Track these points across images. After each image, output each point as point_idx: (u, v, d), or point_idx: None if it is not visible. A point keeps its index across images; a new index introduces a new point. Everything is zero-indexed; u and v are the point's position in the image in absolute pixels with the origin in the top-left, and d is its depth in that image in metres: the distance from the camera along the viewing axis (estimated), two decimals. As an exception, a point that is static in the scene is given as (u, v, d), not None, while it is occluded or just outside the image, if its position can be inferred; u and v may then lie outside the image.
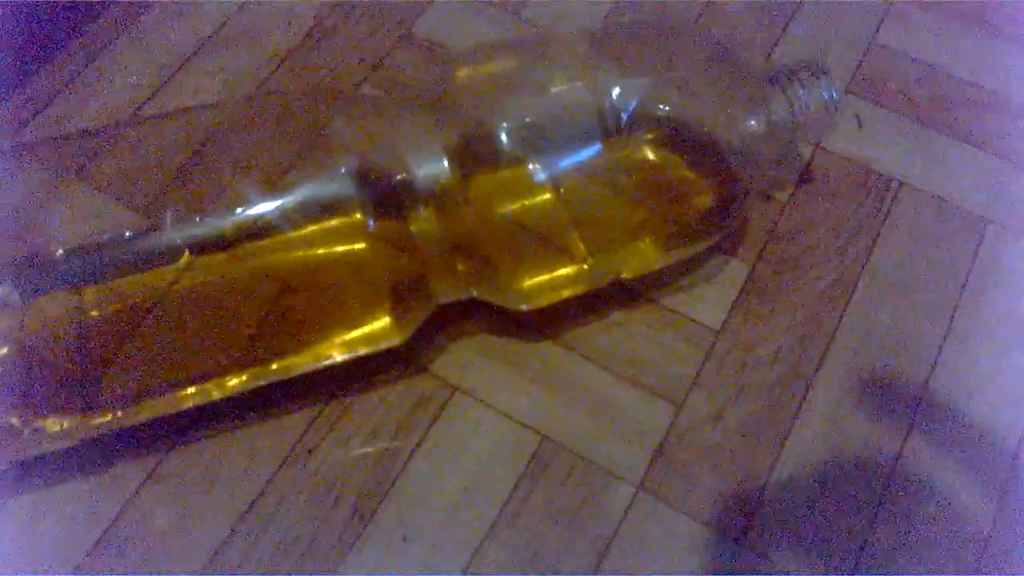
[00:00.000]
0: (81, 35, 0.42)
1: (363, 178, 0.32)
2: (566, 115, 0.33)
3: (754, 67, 0.41)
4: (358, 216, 0.32)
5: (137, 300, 0.31)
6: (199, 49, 0.42)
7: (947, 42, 0.44)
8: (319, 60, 0.42)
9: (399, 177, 0.32)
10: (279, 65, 0.42)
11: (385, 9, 0.43)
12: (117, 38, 0.42)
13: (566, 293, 0.34)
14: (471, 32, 0.43)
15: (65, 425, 0.30)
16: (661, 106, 0.34)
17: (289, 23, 0.43)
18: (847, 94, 0.42)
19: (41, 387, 0.30)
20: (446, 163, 0.31)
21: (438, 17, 0.43)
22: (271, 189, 0.32)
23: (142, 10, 0.43)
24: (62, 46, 0.42)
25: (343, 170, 0.32)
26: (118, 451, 0.33)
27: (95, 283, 0.31)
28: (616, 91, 0.32)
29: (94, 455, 0.32)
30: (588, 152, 0.32)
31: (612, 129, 0.32)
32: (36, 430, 0.30)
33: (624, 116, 0.32)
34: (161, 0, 0.43)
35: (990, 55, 0.43)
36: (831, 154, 0.40)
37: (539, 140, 0.32)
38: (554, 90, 0.33)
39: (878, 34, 0.44)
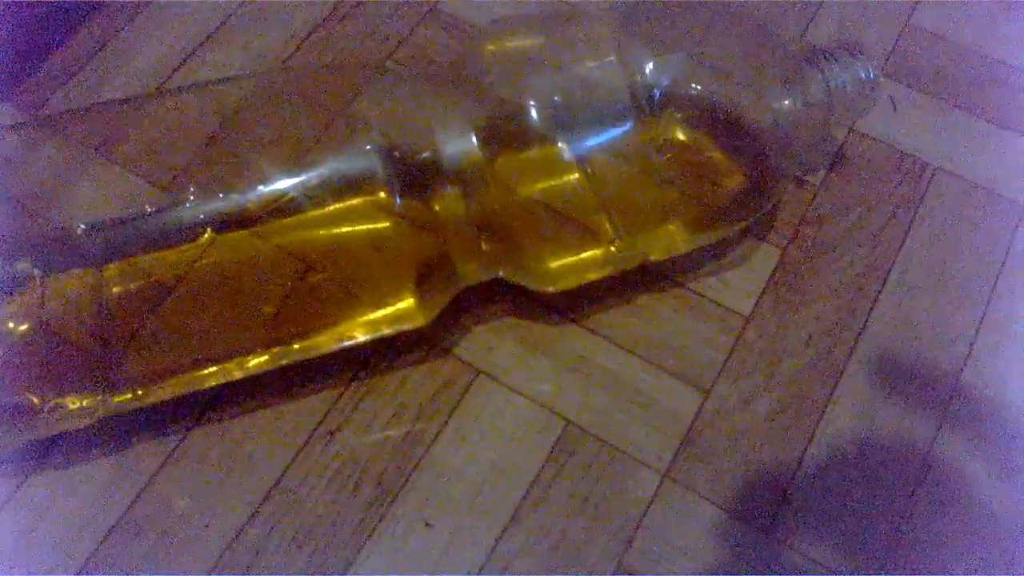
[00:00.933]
0: (104, 9, 0.42)
1: (389, 155, 0.31)
2: (596, 93, 0.32)
3: (789, 46, 0.40)
4: (383, 195, 0.31)
5: (158, 277, 0.30)
6: (222, 25, 0.41)
7: (983, 23, 0.42)
8: (343, 37, 0.41)
9: (425, 155, 0.31)
10: (303, 42, 0.41)
11: (410, -15, 0.43)
12: (140, 13, 0.42)
13: (593, 275, 0.34)
14: (498, 6, 0.42)
15: (85, 403, 0.30)
16: (693, 85, 0.33)
17: (313, -1, 0.42)
18: (882, 76, 0.41)
19: (61, 365, 0.30)
20: (474, 141, 0.31)
21: (463, -7, 0.43)
22: (295, 166, 0.31)
23: (164, -16, 0.43)
24: (85, 20, 0.42)
25: (368, 147, 0.32)
26: (137, 432, 0.32)
27: (116, 260, 0.31)
28: (648, 68, 0.31)
29: (113, 435, 0.32)
30: (618, 131, 0.32)
31: (644, 107, 0.31)
32: (56, 408, 0.30)
33: (656, 94, 0.31)
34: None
35: (1028, 37, 0.42)
36: (865, 137, 0.39)
37: (568, 119, 0.32)
38: (583, 67, 0.32)
39: (913, 15, 0.43)
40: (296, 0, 0.42)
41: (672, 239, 0.34)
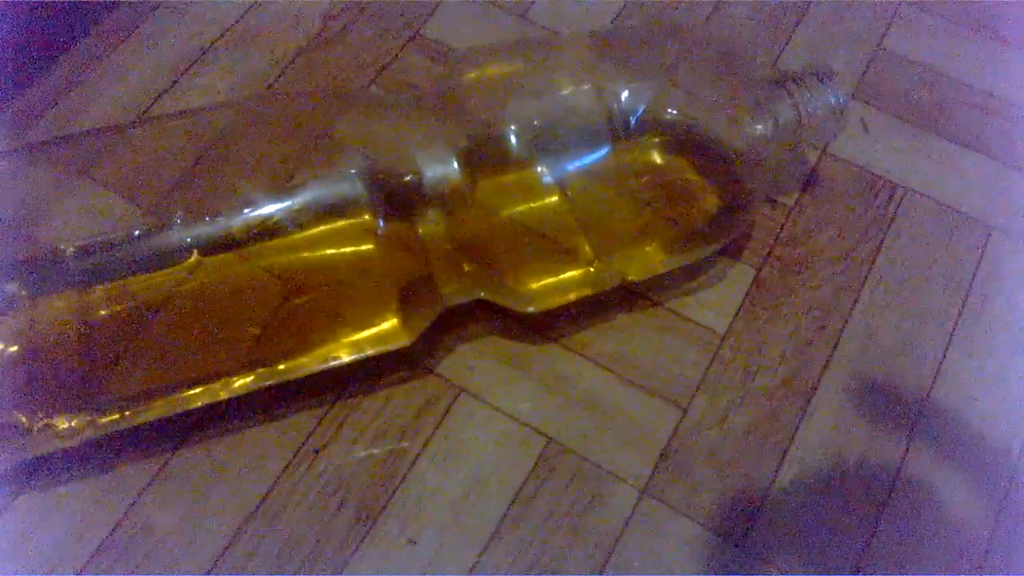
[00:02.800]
0: (89, 35, 0.42)
1: (372, 179, 0.32)
2: (574, 118, 0.33)
3: (761, 71, 0.41)
4: (366, 217, 0.32)
5: (145, 299, 0.31)
6: (207, 50, 0.42)
7: (953, 47, 0.44)
8: (327, 61, 0.42)
9: (408, 178, 0.32)
10: (287, 66, 0.42)
11: (393, 11, 0.44)
12: (126, 38, 0.42)
13: (572, 296, 0.34)
14: (479, 33, 0.43)
15: (73, 424, 0.31)
16: (668, 110, 0.34)
17: (297, 24, 0.43)
18: (853, 99, 0.42)
19: (49, 385, 0.31)
20: (455, 165, 0.31)
21: (446, 18, 0.43)
22: (280, 189, 0.32)
23: (150, 11, 0.43)
24: (71, 45, 0.42)
25: (352, 171, 0.32)
26: (123, 451, 0.33)
27: (104, 282, 0.31)
28: (625, 94, 0.32)
29: (99, 455, 0.33)
30: (596, 155, 0.33)
31: (620, 132, 0.32)
32: (44, 428, 0.30)
33: (632, 119, 0.32)
34: (169, 1, 0.43)
35: (996, 60, 0.43)
36: (837, 159, 0.40)
37: (546, 143, 0.33)
38: (562, 93, 0.33)
39: (884, 39, 0.44)
40: (281, 26, 0.43)
41: (650, 259, 0.35)
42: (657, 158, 0.34)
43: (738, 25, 0.44)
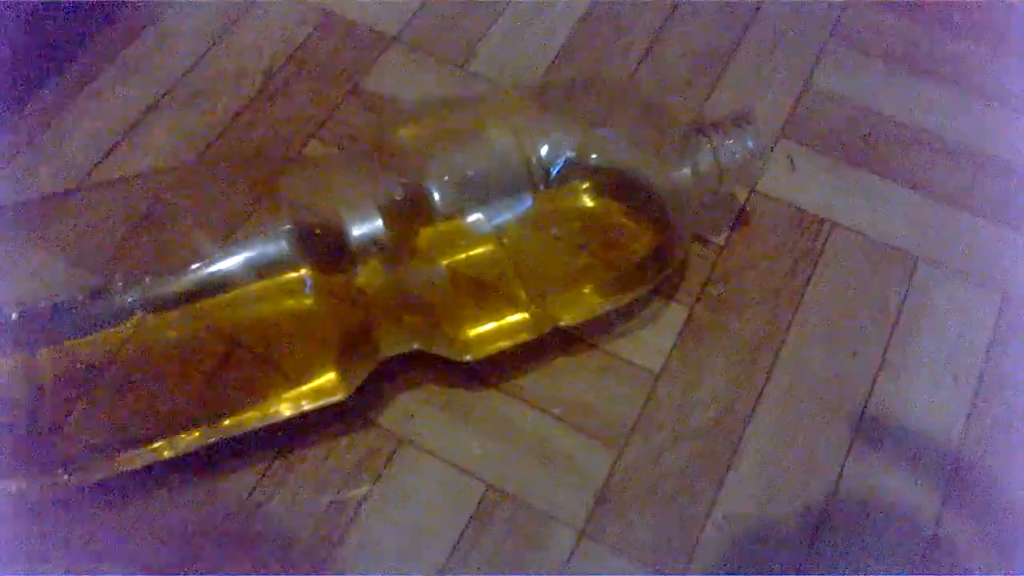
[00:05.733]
0: (34, 100, 0.43)
1: (308, 234, 0.33)
2: (498, 170, 0.34)
3: (683, 118, 0.42)
4: (303, 272, 0.33)
5: (90, 360, 0.32)
6: (150, 109, 0.43)
7: (879, 83, 0.45)
8: (269, 117, 0.43)
9: (338, 234, 0.33)
10: (230, 123, 0.43)
11: (334, 65, 0.45)
12: (71, 101, 0.43)
13: (509, 342, 0.35)
14: (419, 84, 0.44)
15: (16, 488, 0.31)
16: (593, 155, 0.35)
17: (240, 81, 0.44)
18: (781, 138, 0.43)
19: (-3, 449, 0.31)
20: (380, 221, 0.32)
21: (386, 71, 0.44)
22: (219, 247, 0.33)
23: (95, 73, 0.44)
24: (18, 110, 0.43)
25: (287, 227, 0.33)
26: (61, 509, 0.33)
27: (49, 344, 0.32)
28: (544, 148, 0.33)
29: (45, 512, 0.33)
30: (521, 205, 0.33)
31: (540, 183, 0.33)
32: None
33: (554, 170, 0.33)
34: (114, 63, 0.44)
35: (921, 95, 0.45)
36: (765, 196, 0.41)
37: (476, 193, 0.33)
38: (487, 146, 0.34)
39: (812, 77, 0.45)
40: (223, 83, 0.44)
41: (585, 302, 0.36)
42: (588, 201, 0.35)
43: (670, 67, 0.45)
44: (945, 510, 0.34)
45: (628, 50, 0.45)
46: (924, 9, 0.47)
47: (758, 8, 0.47)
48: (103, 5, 0.46)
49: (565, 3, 0.47)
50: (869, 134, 0.43)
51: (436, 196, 0.33)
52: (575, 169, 0.34)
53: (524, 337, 0.35)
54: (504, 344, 0.35)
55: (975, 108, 0.44)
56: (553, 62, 0.45)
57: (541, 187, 0.33)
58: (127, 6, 0.46)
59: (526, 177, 0.33)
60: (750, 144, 0.36)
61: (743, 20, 0.47)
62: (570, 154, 0.34)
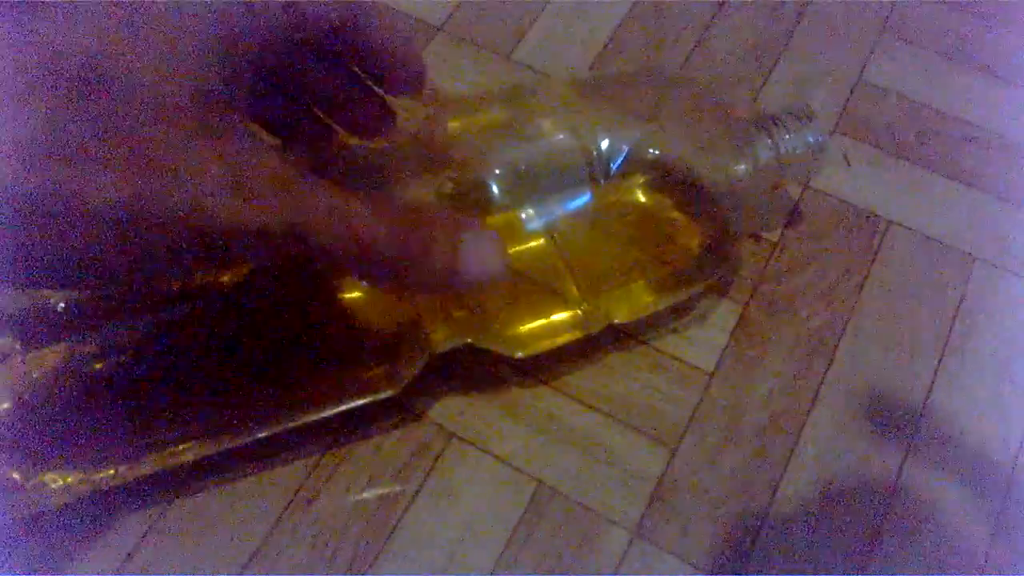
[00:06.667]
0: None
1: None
2: (556, 164, 0.33)
3: (741, 111, 0.41)
4: None
5: (136, 350, 0.31)
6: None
7: (933, 78, 0.44)
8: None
9: None
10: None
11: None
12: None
13: (560, 340, 0.35)
14: (464, 74, 0.43)
15: (68, 480, 0.31)
16: (651, 150, 0.34)
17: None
18: (835, 133, 0.42)
19: (43, 441, 0.31)
20: None
21: (430, 60, 0.44)
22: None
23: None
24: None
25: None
26: (118, 504, 0.33)
27: (95, 333, 0.31)
28: (605, 143, 0.33)
29: (94, 508, 0.33)
30: (579, 200, 0.33)
31: (600, 178, 0.33)
32: (38, 485, 0.30)
33: (613, 165, 0.33)
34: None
35: (976, 89, 0.44)
36: (820, 193, 0.41)
37: (530, 188, 0.33)
38: (543, 140, 0.34)
39: (864, 71, 0.44)
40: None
41: (637, 300, 0.35)
42: (641, 197, 0.35)
43: (720, 60, 0.44)
44: (1001, 516, 0.34)
45: (677, 43, 0.45)
46: (980, 3, 0.46)
47: (808, 2, 0.46)
48: None
49: (613, -6, 0.46)
50: (923, 130, 0.43)
51: (495, 189, 0.32)
52: (632, 164, 0.34)
53: (576, 335, 0.35)
54: (556, 341, 0.35)
55: (1034, 105, 0.43)
56: (600, 53, 0.44)
57: (601, 182, 0.32)
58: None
59: (586, 172, 0.33)
60: (810, 139, 0.35)
61: (794, 13, 0.46)
62: (629, 148, 0.33)
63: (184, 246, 0.25)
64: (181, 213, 0.24)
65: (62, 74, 0.23)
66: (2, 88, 0.23)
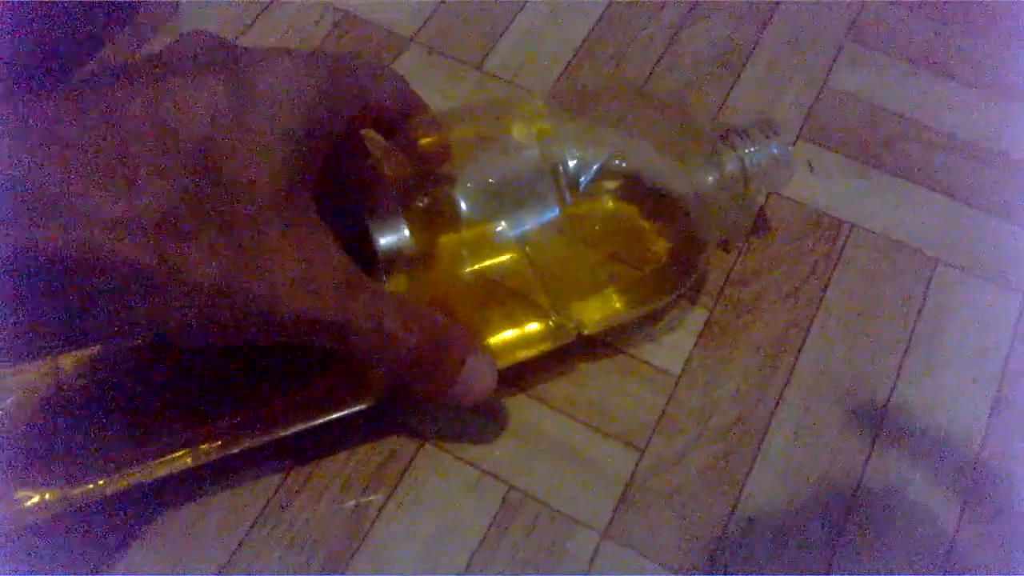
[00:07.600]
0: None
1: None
2: (526, 178, 0.34)
3: (706, 122, 0.42)
4: None
5: (122, 364, 0.32)
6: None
7: (898, 84, 0.45)
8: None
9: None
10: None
11: (351, 66, 0.44)
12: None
13: (531, 352, 0.35)
14: (435, 86, 0.44)
15: (46, 497, 0.31)
16: (619, 162, 0.35)
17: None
18: (799, 139, 0.43)
19: (20, 459, 0.31)
20: (407, 231, 0.32)
21: (403, 72, 0.44)
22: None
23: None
24: None
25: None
26: (91, 515, 0.33)
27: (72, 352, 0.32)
28: (575, 157, 0.33)
29: (68, 519, 0.33)
30: (548, 214, 0.33)
31: (570, 191, 0.33)
32: (14, 502, 0.31)
33: (583, 179, 0.33)
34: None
35: (940, 96, 0.45)
36: (784, 199, 0.41)
37: (501, 202, 0.33)
38: (514, 155, 0.34)
39: (829, 77, 0.45)
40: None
41: (608, 311, 0.36)
42: (611, 208, 0.35)
43: (687, 67, 0.45)
44: (965, 511, 0.34)
45: (645, 49, 0.45)
46: (943, 8, 0.47)
47: (776, 7, 0.47)
48: (120, 5, 0.46)
49: (582, 4, 0.47)
50: (888, 135, 0.43)
51: (463, 204, 0.33)
52: (601, 176, 0.34)
53: (546, 347, 0.35)
54: (527, 353, 0.35)
55: (995, 108, 0.44)
56: (570, 63, 0.45)
57: (568, 194, 0.33)
58: (144, 5, 0.46)
59: (553, 185, 0.33)
60: (775, 151, 0.36)
61: (761, 19, 0.47)
62: (598, 162, 0.34)
63: (253, 333, 0.26)
64: (260, 307, 0.25)
65: (179, 152, 0.24)
66: (140, 160, 0.23)
